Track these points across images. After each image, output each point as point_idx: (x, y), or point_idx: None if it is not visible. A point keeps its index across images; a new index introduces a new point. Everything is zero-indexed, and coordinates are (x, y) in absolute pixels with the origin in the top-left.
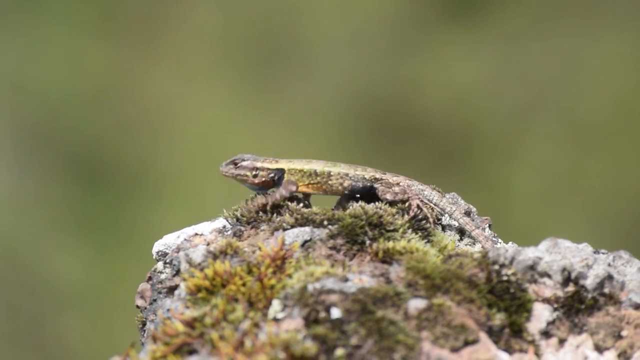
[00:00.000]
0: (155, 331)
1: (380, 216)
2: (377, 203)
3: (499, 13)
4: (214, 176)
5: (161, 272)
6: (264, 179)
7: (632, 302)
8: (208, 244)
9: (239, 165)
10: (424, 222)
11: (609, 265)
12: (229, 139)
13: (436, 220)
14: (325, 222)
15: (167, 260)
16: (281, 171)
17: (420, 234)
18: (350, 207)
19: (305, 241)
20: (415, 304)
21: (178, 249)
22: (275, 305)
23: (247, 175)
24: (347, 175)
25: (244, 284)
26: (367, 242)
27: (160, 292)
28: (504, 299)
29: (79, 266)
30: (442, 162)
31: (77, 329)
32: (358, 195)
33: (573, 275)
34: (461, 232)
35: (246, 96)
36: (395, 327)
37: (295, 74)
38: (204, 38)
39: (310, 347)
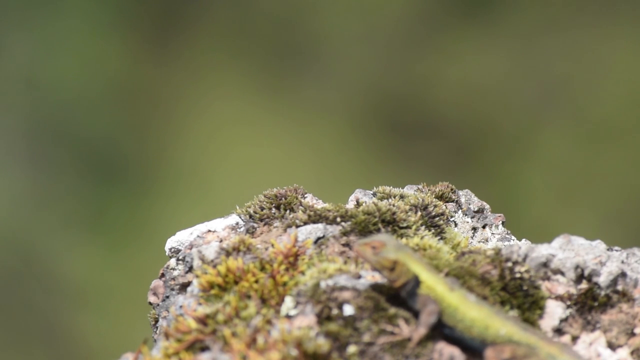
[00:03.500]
0: (167, 328)
1: (394, 213)
2: (390, 200)
3: (514, 9)
4: (227, 173)
5: (174, 269)
6: (402, 279)
7: None
8: (221, 241)
9: (374, 252)
10: (437, 219)
11: (623, 262)
12: (242, 136)
13: None
14: (338, 219)
15: (180, 257)
16: (416, 281)
17: (433, 230)
18: (364, 204)
19: (318, 238)
20: None
21: (191, 246)
22: (288, 302)
23: (384, 267)
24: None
25: (256, 281)
26: None
27: (172, 289)
28: (517, 296)
29: (92, 263)
30: (456, 158)
31: (90, 325)
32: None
33: (586, 272)
34: (474, 229)
35: (259, 93)
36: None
37: (308, 71)
38: (218, 35)
39: (323, 344)
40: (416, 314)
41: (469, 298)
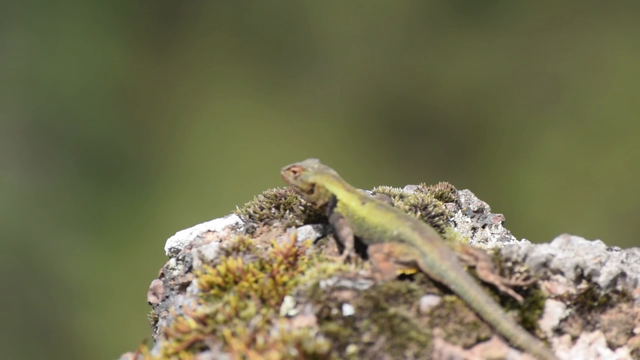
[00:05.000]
0: (167, 328)
1: None
2: (395, 202)
3: (513, 8)
4: (227, 172)
5: (173, 269)
6: (320, 201)
7: None
8: (220, 241)
9: (295, 176)
10: (436, 219)
11: (622, 262)
12: (241, 136)
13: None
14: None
15: (180, 257)
16: (334, 199)
17: None
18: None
19: (318, 238)
20: (428, 301)
21: (191, 246)
22: (288, 302)
23: (303, 190)
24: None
25: (256, 281)
26: None
27: (172, 289)
28: None
29: (92, 263)
30: (456, 158)
31: (90, 325)
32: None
33: (586, 272)
34: (474, 229)
35: (259, 93)
36: (407, 324)
37: (308, 71)
38: (217, 34)
39: (323, 344)
40: (333, 230)
41: (378, 208)
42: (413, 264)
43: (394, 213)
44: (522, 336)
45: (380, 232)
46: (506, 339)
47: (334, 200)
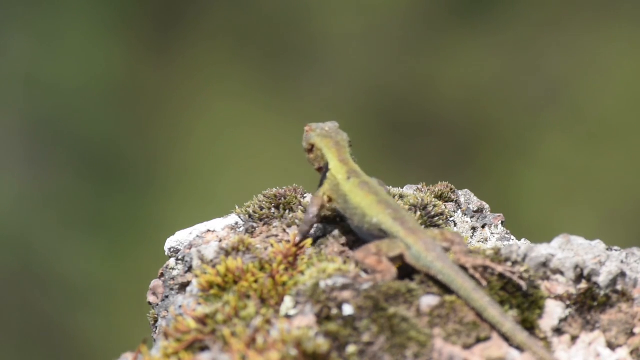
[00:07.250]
0: (167, 328)
1: None
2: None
3: (513, 9)
4: (227, 172)
5: (173, 269)
6: (316, 164)
7: None
8: (220, 241)
9: (305, 134)
10: (436, 218)
11: (622, 262)
12: (242, 136)
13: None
14: (338, 219)
15: (180, 257)
16: (327, 166)
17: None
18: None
19: (318, 238)
20: (428, 301)
21: (190, 246)
22: (288, 302)
23: (305, 149)
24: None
25: (256, 281)
26: None
27: (172, 289)
28: (516, 296)
29: (92, 262)
30: (455, 158)
31: (90, 325)
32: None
33: (586, 272)
34: (473, 229)
35: (259, 93)
36: (407, 324)
37: (309, 71)
38: (218, 34)
39: (322, 344)
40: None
41: (361, 186)
42: (399, 258)
43: (375, 196)
44: (507, 324)
45: (360, 216)
46: (506, 338)
47: (327, 167)
